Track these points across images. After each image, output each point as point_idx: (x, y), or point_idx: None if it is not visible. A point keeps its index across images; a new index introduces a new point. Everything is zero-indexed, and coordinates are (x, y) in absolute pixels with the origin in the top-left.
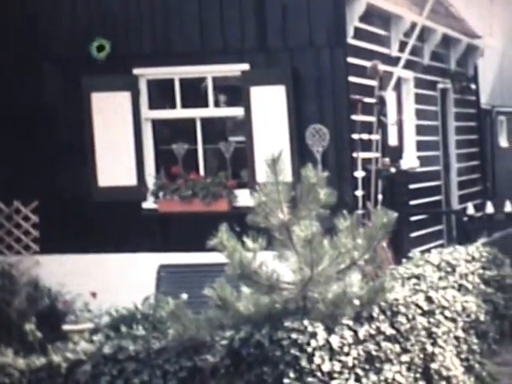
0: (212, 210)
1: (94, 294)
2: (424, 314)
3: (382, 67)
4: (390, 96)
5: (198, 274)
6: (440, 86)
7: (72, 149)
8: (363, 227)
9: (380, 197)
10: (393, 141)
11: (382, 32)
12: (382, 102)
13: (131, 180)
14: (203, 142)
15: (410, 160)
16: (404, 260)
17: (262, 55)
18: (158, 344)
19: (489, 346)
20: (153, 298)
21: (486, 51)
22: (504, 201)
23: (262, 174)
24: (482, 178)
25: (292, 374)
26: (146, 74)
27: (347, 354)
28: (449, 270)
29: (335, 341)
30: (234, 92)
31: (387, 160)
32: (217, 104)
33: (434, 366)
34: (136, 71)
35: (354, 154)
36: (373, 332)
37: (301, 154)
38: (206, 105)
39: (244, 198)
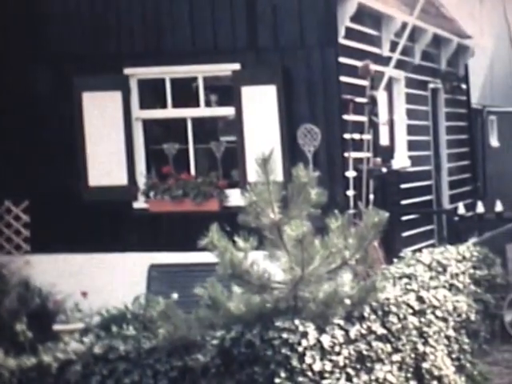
0: (203, 209)
1: (84, 294)
2: (415, 313)
3: (373, 67)
4: (381, 96)
5: (188, 273)
6: (431, 85)
7: (63, 148)
8: (354, 227)
9: (371, 196)
10: (384, 141)
11: (373, 32)
12: (373, 101)
13: (122, 180)
14: (194, 141)
15: (401, 160)
16: (395, 260)
17: (253, 55)
18: (148, 344)
19: (480, 345)
20: (143, 297)
21: (476, 51)
22: (495, 200)
23: (253, 173)
24: (472, 177)
25: (283, 374)
26: (136, 73)
27: (338, 354)
28: (440, 269)
29: (326, 340)
30: (225, 92)
31: (378, 160)
32: (208, 104)
33: (425, 365)
34: (127, 71)
35: (346, 154)
36: (364, 332)
37: (292, 153)
38: (197, 104)
39: (235, 197)
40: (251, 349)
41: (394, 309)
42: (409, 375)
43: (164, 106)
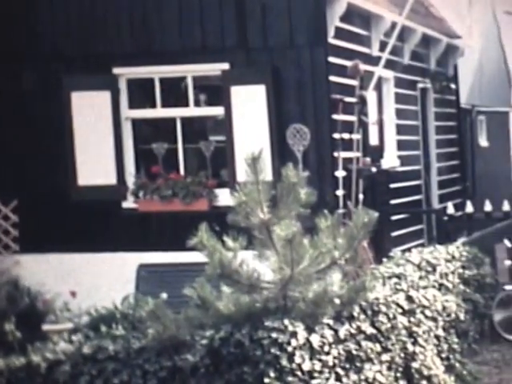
0: (192, 209)
1: (73, 294)
2: (405, 313)
3: (362, 67)
4: (370, 95)
5: (178, 273)
6: (420, 85)
7: (52, 148)
8: (344, 227)
9: (361, 196)
10: (373, 140)
11: (362, 32)
12: (362, 101)
13: (111, 179)
14: (183, 141)
15: (390, 159)
16: (385, 259)
17: (243, 54)
18: (137, 344)
19: (469, 345)
20: (132, 297)
21: (465, 51)
22: (484, 200)
23: (242, 173)
24: (461, 177)
25: (272, 374)
26: (125, 73)
27: (328, 354)
28: (429, 269)
29: (316, 340)
30: (215, 91)
31: (368, 159)
32: (197, 103)
33: (414, 365)
34: (116, 70)
35: (335, 154)
36: (353, 331)
37: (281, 153)
38: (186, 104)
39: (224, 197)
40: (240, 348)
41: (383, 308)
42: (398, 375)
43: (153, 105)
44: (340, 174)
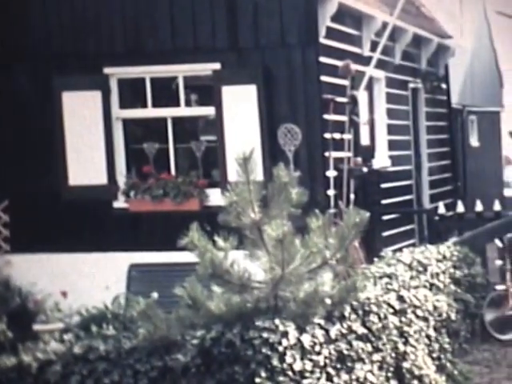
0: (183, 209)
1: (64, 294)
2: (396, 313)
3: (353, 67)
4: (361, 95)
5: (168, 273)
6: (411, 85)
7: (43, 148)
8: (335, 226)
9: (352, 196)
10: (365, 140)
11: (353, 32)
12: (353, 101)
13: (102, 179)
14: (174, 141)
15: (381, 159)
16: (376, 259)
17: (234, 54)
18: (128, 344)
19: (460, 344)
20: (123, 297)
21: (456, 51)
22: (475, 200)
23: (233, 173)
24: (452, 177)
25: (263, 373)
26: (116, 73)
27: (319, 353)
28: (420, 269)
29: (307, 340)
30: (206, 91)
31: (359, 159)
32: (188, 103)
33: (405, 364)
34: (107, 70)
35: (326, 154)
36: (344, 331)
37: (272, 153)
38: (177, 104)
39: (215, 197)
40: (231, 348)
41: (374, 308)
42: (389, 375)
43: (144, 105)
44: (331, 173)
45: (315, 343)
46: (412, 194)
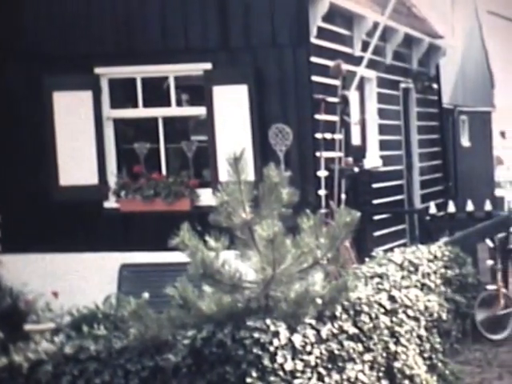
0: (174, 209)
1: (55, 294)
2: (387, 313)
3: (344, 67)
4: (353, 95)
5: (159, 273)
6: (402, 85)
7: (33, 148)
8: (326, 226)
9: (343, 196)
10: (356, 140)
11: (344, 32)
12: (345, 101)
13: (93, 179)
14: (165, 141)
15: (372, 159)
16: (367, 259)
17: (225, 54)
18: (119, 344)
19: (451, 344)
20: (114, 297)
21: (447, 51)
22: (466, 200)
23: (224, 173)
24: (443, 177)
25: (254, 374)
26: (107, 73)
27: (310, 353)
28: (411, 269)
29: (298, 340)
30: (197, 91)
31: (350, 159)
32: (179, 103)
33: (396, 364)
34: (98, 70)
35: (317, 154)
36: (335, 331)
37: (263, 153)
38: (168, 104)
39: (206, 197)
40: (222, 348)
41: (365, 308)
42: (380, 374)
43: (135, 105)
44: (322, 173)
45: (306, 343)
46: (403, 194)
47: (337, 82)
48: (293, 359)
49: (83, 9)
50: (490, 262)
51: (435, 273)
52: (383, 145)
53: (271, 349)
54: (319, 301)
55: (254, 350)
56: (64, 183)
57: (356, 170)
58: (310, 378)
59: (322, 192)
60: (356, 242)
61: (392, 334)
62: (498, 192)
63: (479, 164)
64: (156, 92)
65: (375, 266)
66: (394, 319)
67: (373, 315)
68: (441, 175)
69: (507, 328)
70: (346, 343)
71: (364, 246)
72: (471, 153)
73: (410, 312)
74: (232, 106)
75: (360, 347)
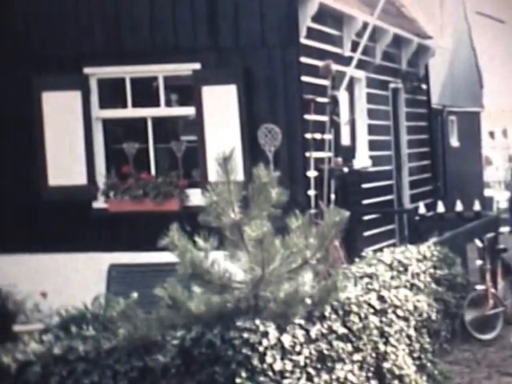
0: (163, 209)
1: (44, 294)
2: (376, 313)
3: (334, 67)
4: (342, 96)
5: (148, 273)
6: (391, 85)
7: (22, 148)
8: (315, 226)
9: (333, 196)
10: (345, 140)
11: (334, 32)
12: (334, 101)
13: (81, 179)
14: (154, 141)
15: (362, 159)
16: (356, 259)
17: (214, 54)
18: (108, 344)
19: (440, 344)
20: (103, 297)
21: (436, 51)
22: (455, 200)
23: (213, 173)
24: (433, 177)
25: (244, 374)
26: (96, 73)
27: (299, 353)
28: (401, 269)
29: (287, 340)
30: (186, 91)
31: (340, 159)
32: (168, 103)
33: (386, 365)
34: (87, 70)
35: (307, 154)
36: (325, 331)
37: (253, 153)
38: (157, 104)
39: (195, 197)
40: (212, 349)
41: (355, 308)
42: (370, 375)
43: (124, 105)
44: (312, 174)
45: (295, 343)
46: (392, 194)
47: (326, 82)
48: (282, 359)
49: (72, 9)
50: (479, 262)
51: (424, 273)
52: (372, 145)
53: (260, 349)
54: (308, 301)
55: (244, 351)
56: (53, 183)
57: (345, 170)
58: (299, 378)
59: (312, 192)
60: (346, 242)
61: (381, 334)
62: (487, 192)
63: (468, 164)
64: (145, 92)
65: (365, 266)
66: (384, 319)
67: (362, 315)
68: (430, 175)
69: (496, 328)
70: (336, 343)
71: (354, 246)
72: (460, 153)
73: (399, 312)
74: (221, 106)
75: (349, 347)
